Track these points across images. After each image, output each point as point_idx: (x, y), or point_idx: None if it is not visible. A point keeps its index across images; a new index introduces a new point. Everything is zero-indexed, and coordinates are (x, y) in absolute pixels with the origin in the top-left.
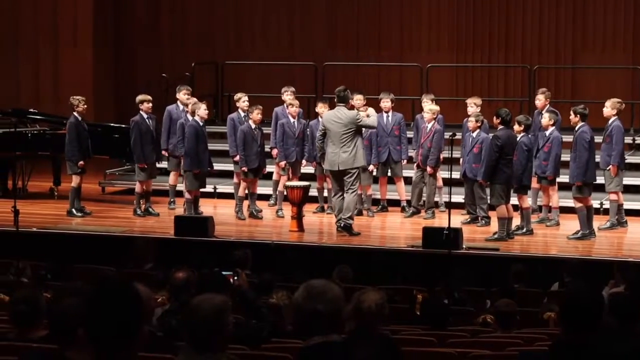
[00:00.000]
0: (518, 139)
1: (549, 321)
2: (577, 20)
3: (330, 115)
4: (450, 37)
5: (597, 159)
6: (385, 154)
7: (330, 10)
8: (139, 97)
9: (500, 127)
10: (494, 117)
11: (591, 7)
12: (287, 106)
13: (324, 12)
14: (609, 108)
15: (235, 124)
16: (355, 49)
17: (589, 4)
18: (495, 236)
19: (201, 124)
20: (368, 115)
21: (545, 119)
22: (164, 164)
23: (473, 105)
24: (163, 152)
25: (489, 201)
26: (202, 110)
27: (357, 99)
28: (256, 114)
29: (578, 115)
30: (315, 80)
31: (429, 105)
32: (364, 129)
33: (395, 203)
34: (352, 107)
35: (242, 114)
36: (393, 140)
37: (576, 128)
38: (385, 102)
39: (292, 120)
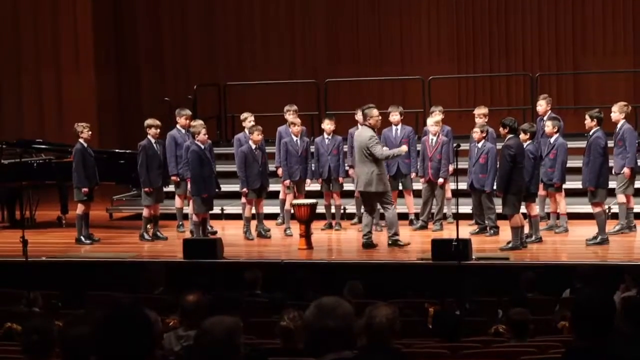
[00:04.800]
0: (525, 146)
1: (563, 330)
2: (576, 25)
3: (354, 134)
4: (451, 47)
5: (611, 163)
6: (395, 167)
7: (330, 27)
8: (147, 122)
9: (509, 136)
10: (500, 128)
11: (590, 12)
12: (289, 125)
13: (324, 29)
14: (617, 112)
15: (241, 143)
16: (357, 65)
17: (588, 8)
18: (510, 245)
19: (202, 147)
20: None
21: (549, 127)
22: (171, 188)
23: (482, 117)
24: (173, 178)
25: (501, 211)
26: (202, 135)
27: (359, 117)
28: (256, 135)
29: (595, 120)
30: (317, 97)
31: (431, 118)
32: None
33: (402, 216)
34: (372, 125)
35: (249, 134)
36: None
37: (591, 132)
38: (395, 116)
39: (295, 138)
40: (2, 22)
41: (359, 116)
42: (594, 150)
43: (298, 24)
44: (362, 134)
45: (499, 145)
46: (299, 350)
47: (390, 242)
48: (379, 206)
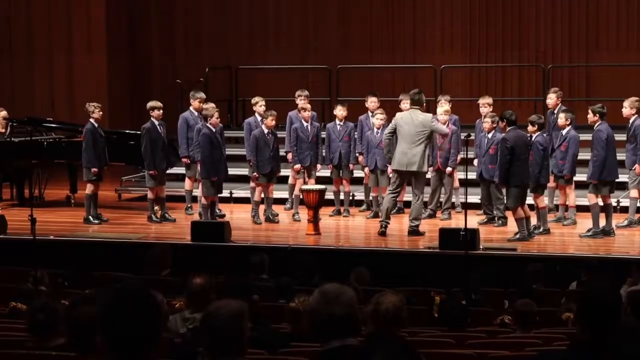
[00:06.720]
0: (533, 138)
1: (568, 321)
2: (590, 18)
3: (404, 116)
4: (464, 37)
5: (622, 157)
6: None
7: (343, 13)
8: (150, 104)
9: (508, 128)
10: (499, 122)
11: (604, 5)
12: (300, 110)
13: (337, 15)
14: (628, 108)
15: (251, 127)
16: (369, 52)
17: (602, 1)
18: (517, 236)
19: (214, 130)
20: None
21: (562, 119)
22: (178, 170)
23: (486, 106)
24: (183, 160)
25: (505, 202)
26: (214, 118)
27: (371, 102)
28: (270, 120)
29: (597, 115)
30: (329, 83)
31: (441, 107)
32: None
33: (409, 205)
34: (425, 110)
35: (259, 118)
36: None
37: (595, 127)
38: (406, 103)
39: (305, 124)
40: (16, 4)
41: (368, 103)
42: (597, 144)
43: (311, 9)
44: (418, 116)
45: None
46: (307, 334)
47: (410, 229)
48: (383, 198)
